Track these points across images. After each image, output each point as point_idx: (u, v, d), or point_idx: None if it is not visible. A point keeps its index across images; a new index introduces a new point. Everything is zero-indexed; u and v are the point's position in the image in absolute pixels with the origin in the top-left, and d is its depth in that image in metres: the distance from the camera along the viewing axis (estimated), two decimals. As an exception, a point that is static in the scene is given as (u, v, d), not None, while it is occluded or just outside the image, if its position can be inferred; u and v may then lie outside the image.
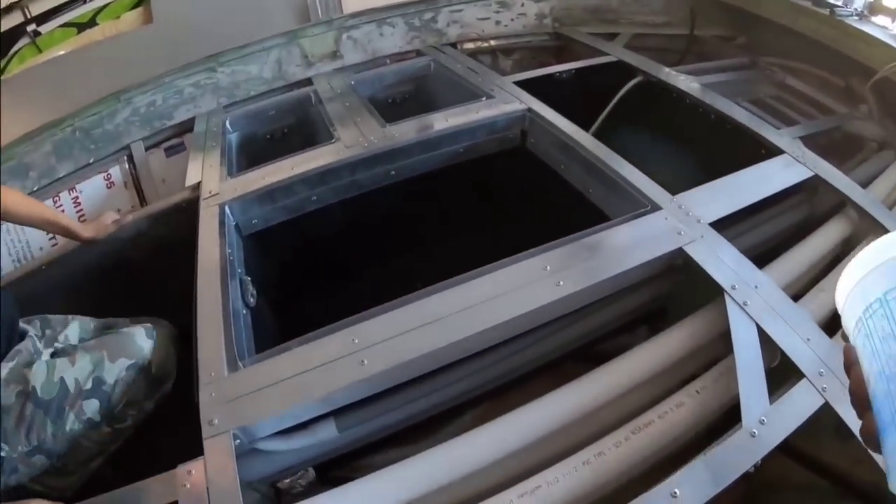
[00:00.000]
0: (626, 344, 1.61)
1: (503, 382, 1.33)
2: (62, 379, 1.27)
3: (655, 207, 1.42)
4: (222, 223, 1.55)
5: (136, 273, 1.73)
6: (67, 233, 1.60)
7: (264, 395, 1.07)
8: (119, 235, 1.71)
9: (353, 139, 1.78)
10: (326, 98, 2.11)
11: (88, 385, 1.29)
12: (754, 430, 1.01)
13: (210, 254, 1.44)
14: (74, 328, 1.46)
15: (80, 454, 1.38)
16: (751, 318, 1.18)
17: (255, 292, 1.46)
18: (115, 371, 1.32)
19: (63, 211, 2.09)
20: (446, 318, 1.14)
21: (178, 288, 1.42)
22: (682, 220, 1.38)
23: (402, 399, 1.17)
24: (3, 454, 1.21)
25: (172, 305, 1.56)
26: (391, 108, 2.33)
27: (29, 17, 2.24)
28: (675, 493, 0.92)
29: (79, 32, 2.29)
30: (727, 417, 1.10)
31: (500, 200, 2.16)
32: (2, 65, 2.20)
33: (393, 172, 1.78)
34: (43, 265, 1.69)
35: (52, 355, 1.34)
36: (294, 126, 2.21)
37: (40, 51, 2.23)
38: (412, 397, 1.18)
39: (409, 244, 2.16)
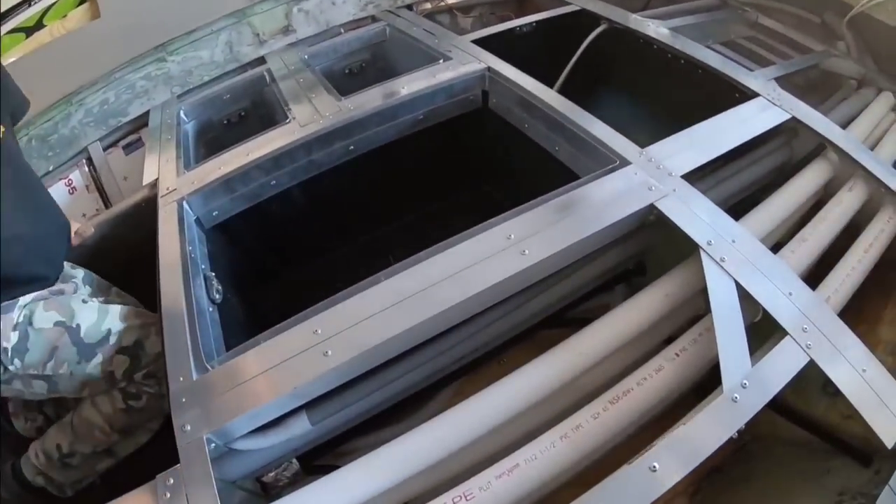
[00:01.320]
0: (604, 304, 1.61)
1: (479, 356, 1.31)
2: (109, 330, 1.33)
3: (624, 162, 1.37)
4: (181, 219, 1.51)
5: (105, 277, 1.69)
6: None
7: (234, 396, 1.05)
8: (83, 242, 1.66)
9: (308, 117, 1.72)
10: (280, 76, 2.03)
11: (128, 343, 1.36)
12: (735, 395, 0.99)
13: (171, 253, 1.39)
14: (115, 306, 1.46)
15: (90, 442, 1.44)
16: (728, 274, 1.15)
17: (220, 288, 1.42)
18: (156, 347, 1.39)
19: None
20: (406, 300, 1.10)
21: (147, 290, 1.39)
22: (653, 175, 1.33)
23: (372, 385, 1.15)
24: (12, 368, 1.25)
25: (143, 305, 1.54)
26: (349, 78, 2.26)
27: (-27, 29, 2.15)
28: (655, 466, 0.91)
29: (27, 37, 2.20)
30: (712, 374, 1.07)
31: (465, 165, 2.11)
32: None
33: (352, 147, 1.72)
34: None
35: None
36: (250, 108, 2.14)
37: None
38: (382, 383, 1.16)
39: (376, 218, 2.14)
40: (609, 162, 1.39)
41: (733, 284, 1.14)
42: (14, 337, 1.22)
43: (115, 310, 1.38)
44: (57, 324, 1.27)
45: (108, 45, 2.14)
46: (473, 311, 1.15)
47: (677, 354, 1.11)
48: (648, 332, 1.21)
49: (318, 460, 1.38)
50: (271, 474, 1.22)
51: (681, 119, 1.52)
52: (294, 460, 1.23)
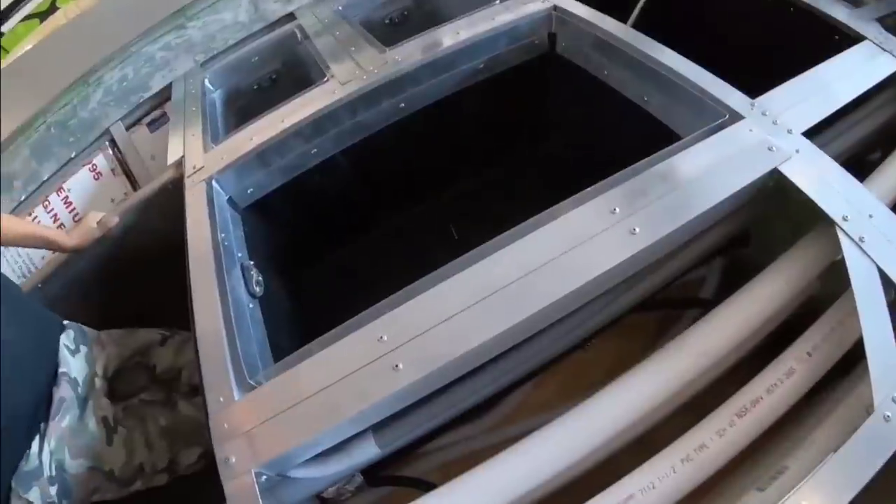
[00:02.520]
0: (698, 279, 1.38)
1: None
2: (140, 464, 1.30)
3: (735, 117, 1.11)
4: (211, 201, 1.32)
5: (135, 271, 1.55)
6: (50, 245, 1.46)
7: (286, 421, 0.87)
8: (106, 234, 1.51)
9: (350, 73, 1.50)
10: (313, 32, 1.81)
11: (164, 466, 1.33)
12: (888, 413, 0.78)
13: (201, 243, 1.21)
14: (112, 356, 1.40)
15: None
16: (870, 259, 0.91)
17: (260, 279, 1.24)
18: (190, 457, 1.37)
19: (55, 214, 1.92)
20: (492, 296, 0.88)
21: (180, 282, 1.23)
22: (771, 132, 1.08)
23: (450, 400, 0.95)
24: (44, 502, 1.18)
25: (176, 301, 1.38)
26: (391, 29, 2.00)
27: (-13, 19, 2.08)
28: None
29: (42, 22, 2.15)
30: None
31: (532, 120, 1.86)
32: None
33: (402, 105, 1.49)
34: (39, 283, 1.53)
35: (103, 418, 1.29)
36: (282, 70, 1.93)
37: (7, 51, 2.08)
38: (462, 396, 0.95)
39: (433, 184, 1.92)
40: (715, 116, 1.13)
41: (876, 270, 0.90)
42: (54, 490, 1.16)
43: (141, 440, 1.31)
44: (90, 469, 1.21)
45: (122, 19, 1.99)
46: (577, 304, 0.93)
47: (809, 354, 0.90)
48: (765, 324, 0.99)
49: (382, 469, 1.21)
50: (332, 489, 1.06)
51: (772, 65, 1.26)
52: (358, 474, 1.07)
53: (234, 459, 0.85)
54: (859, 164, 1.18)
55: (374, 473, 1.14)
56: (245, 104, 1.89)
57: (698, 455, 0.82)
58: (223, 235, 1.25)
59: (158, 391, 1.46)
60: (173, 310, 1.44)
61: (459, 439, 1.36)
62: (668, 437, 0.86)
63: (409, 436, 0.95)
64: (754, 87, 1.20)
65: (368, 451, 0.92)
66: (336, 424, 0.84)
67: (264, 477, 0.85)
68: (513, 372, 0.98)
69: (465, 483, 0.84)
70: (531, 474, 0.84)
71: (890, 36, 1.36)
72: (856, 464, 0.76)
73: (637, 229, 0.91)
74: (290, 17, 2.06)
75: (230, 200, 1.41)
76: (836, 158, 1.20)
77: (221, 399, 0.92)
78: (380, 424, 0.92)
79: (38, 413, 1.18)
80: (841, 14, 1.42)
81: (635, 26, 1.71)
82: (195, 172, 1.41)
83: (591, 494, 0.81)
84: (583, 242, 0.92)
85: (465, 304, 0.88)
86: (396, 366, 0.85)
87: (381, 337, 0.89)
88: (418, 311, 0.91)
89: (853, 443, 0.77)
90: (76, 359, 1.29)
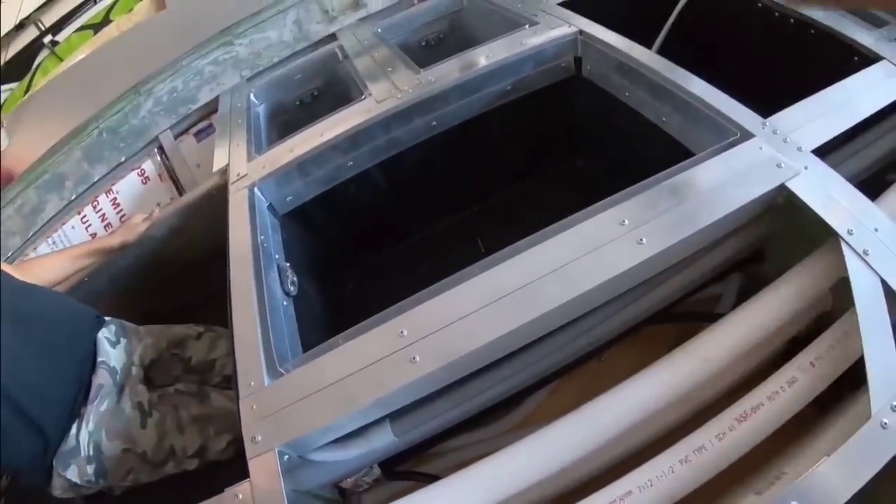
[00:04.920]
0: (715, 295, 1.41)
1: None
2: (171, 446, 1.37)
3: (746, 135, 1.15)
4: (252, 207, 1.42)
5: (177, 270, 1.66)
6: (99, 253, 1.59)
7: (310, 405, 0.94)
8: (152, 234, 1.64)
9: (386, 92, 1.58)
10: (353, 52, 1.91)
11: (194, 451, 1.40)
12: (885, 420, 0.81)
13: (242, 244, 1.31)
14: (148, 347, 1.50)
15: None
16: (873, 270, 0.95)
17: (295, 280, 1.33)
18: (220, 444, 1.43)
19: (104, 214, 2.06)
20: (506, 297, 0.95)
21: (219, 282, 1.32)
22: (780, 149, 1.11)
23: (463, 395, 1.01)
24: (101, 483, 1.28)
25: (214, 301, 1.47)
26: (426, 51, 2.10)
27: (43, 28, 2.22)
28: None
29: (95, 33, 2.27)
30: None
31: (558, 139, 1.93)
32: (27, 81, 2.19)
33: (434, 123, 1.57)
34: (85, 277, 1.62)
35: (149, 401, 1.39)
36: (323, 87, 2.03)
37: (61, 59, 2.20)
38: (475, 391, 1.02)
39: (462, 198, 1.99)
40: (728, 134, 1.18)
41: (879, 282, 0.93)
42: (91, 469, 1.25)
43: (173, 424, 1.39)
44: (124, 450, 1.30)
45: (174, 34, 2.11)
46: (583, 310, 0.99)
47: (812, 364, 0.93)
48: (773, 336, 1.02)
49: (399, 465, 1.28)
50: (350, 480, 1.13)
51: (793, 86, 1.29)
52: (375, 466, 1.13)
53: (260, 438, 0.93)
54: (883, 185, 1.20)
55: (391, 468, 1.21)
56: (287, 118, 2.00)
57: (697, 456, 0.86)
58: (262, 238, 1.34)
59: (192, 382, 1.54)
60: (210, 309, 1.55)
61: (475, 441, 1.40)
62: (670, 439, 0.90)
63: (423, 427, 1.02)
64: (777, 108, 1.24)
65: (385, 437, 0.99)
66: (355, 410, 0.91)
67: (286, 456, 0.93)
68: (524, 373, 1.05)
69: (469, 475, 0.90)
70: (533, 470, 0.89)
71: (909, 56, 1.38)
72: (850, 468, 0.79)
73: (644, 240, 0.97)
74: (332, 37, 2.18)
75: (270, 207, 1.51)
76: (854, 176, 1.24)
77: (252, 383, 1.00)
78: (397, 414, 0.99)
79: (78, 399, 1.28)
80: (861, 35, 1.46)
81: (659, 50, 1.77)
82: (239, 180, 1.52)
83: (594, 491, 0.86)
84: (591, 251, 0.98)
85: (480, 304, 0.95)
86: (414, 358, 0.92)
87: (402, 332, 0.96)
88: (437, 310, 0.98)
89: (848, 448, 0.80)
90: (116, 350, 1.39)
